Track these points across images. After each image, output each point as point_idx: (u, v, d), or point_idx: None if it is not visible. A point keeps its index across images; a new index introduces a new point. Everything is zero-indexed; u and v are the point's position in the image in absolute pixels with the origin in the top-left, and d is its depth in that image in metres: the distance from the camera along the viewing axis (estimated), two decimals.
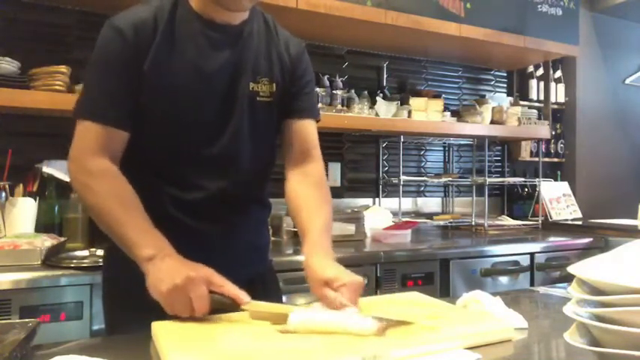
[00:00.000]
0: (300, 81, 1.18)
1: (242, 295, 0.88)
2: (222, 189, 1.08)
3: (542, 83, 3.30)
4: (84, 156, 0.99)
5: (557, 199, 3.08)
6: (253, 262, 1.18)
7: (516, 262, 2.29)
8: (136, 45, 1.00)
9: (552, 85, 3.30)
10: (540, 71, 3.31)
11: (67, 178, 1.78)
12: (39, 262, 1.53)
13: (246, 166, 1.10)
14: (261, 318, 0.87)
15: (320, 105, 2.39)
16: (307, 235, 1.06)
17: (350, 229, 2.28)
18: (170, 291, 0.85)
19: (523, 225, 2.89)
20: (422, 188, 3.03)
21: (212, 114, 1.06)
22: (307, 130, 1.19)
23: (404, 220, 2.53)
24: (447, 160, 3.12)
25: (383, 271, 1.96)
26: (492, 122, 2.84)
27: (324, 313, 0.83)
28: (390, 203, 2.78)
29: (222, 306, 0.88)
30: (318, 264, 0.99)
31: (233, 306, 0.88)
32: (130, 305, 0.99)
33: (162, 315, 0.87)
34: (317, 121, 1.22)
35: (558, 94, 3.37)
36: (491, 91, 3.28)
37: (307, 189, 1.15)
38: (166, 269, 0.88)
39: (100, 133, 0.99)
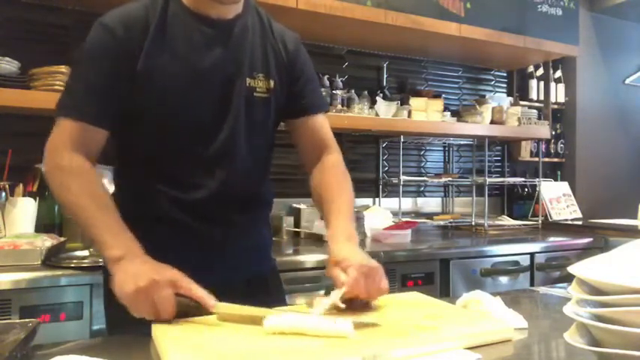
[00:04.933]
0: (301, 78, 1.17)
1: (209, 299, 0.86)
2: (220, 187, 1.07)
3: (542, 83, 3.30)
4: (58, 151, 0.98)
5: (557, 199, 3.08)
6: (254, 262, 1.17)
7: (516, 262, 2.29)
8: (126, 43, 0.99)
9: (552, 85, 3.30)
10: (540, 71, 3.31)
11: None
12: (39, 262, 1.53)
13: (243, 162, 1.09)
14: (231, 320, 0.86)
15: None
16: (329, 223, 1.06)
17: None
18: (134, 293, 0.83)
19: (523, 225, 2.88)
20: (422, 188, 3.03)
21: (209, 110, 1.05)
22: (318, 124, 1.20)
23: (404, 220, 2.52)
24: (447, 160, 3.12)
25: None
26: (492, 122, 2.84)
27: (299, 318, 0.81)
28: (390, 203, 2.78)
29: (189, 309, 0.86)
30: (334, 247, 0.99)
31: (200, 309, 0.86)
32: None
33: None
34: (326, 112, 1.23)
35: (558, 94, 3.37)
36: (491, 91, 3.28)
37: (325, 177, 1.16)
38: (132, 271, 0.86)
39: (75, 130, 0.98)
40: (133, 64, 0.99)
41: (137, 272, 0.85)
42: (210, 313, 0.87)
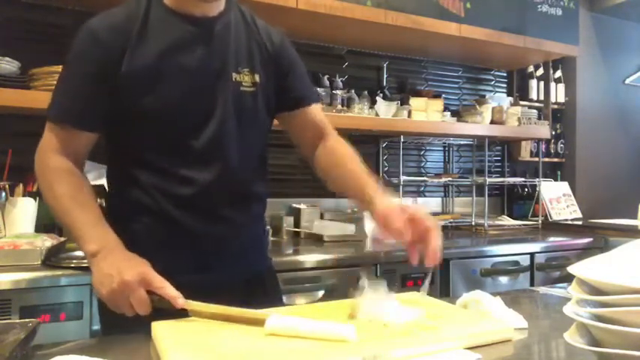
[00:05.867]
0: (290, 73, 1.18)
1: (178, 299, 0.88)
2: (213, 181, 1.07)
3: (542, 83, 3.30)
4: (45, 154, 1.03)
5: (557, 199, 3.08)
6: (250, 261, 1.17)
7: (516, 262, 2.29)
8: (109, 46, 1.00)
9: (552, 85, 3.30)
10: (540, 71, 3.31)
11: None
12: (39, 262, 1.53)
13: (235, 156, 1.09)
14: (204, 317, 0.88)
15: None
16: (362, 186, 1.09)
17: (350, 229, 2.28)
18: (109, 294, 0.88)
19: (523, 225, 2.88)
20: (422, 188, 3.03)
21: (197, 106, 1.06)
22: (314, 114, 1.21)
23: None
24: (447, 160, 3.12)
25: (383, 271, 1.96)
26: (492, 122, 2.84)
27: (302, 320, 0.81)
28: None
29: (162, 305, 0.88)
30: (380, 198, 1.05)
31: (173, 305, 0.88)
32: None
33: (158, 315, 0.87)
34: (318, 102, 1.24)
35: (558, 94, 3.37)
36: (491, 91, 3.28)
37: (331, 147, 1.19)
38: (106, 270, 0.89)
39: (58, 132, 1.03)
40: (116, 67, 1.00)
41: (110, 272, 0.88)
42: (184, 310, 0.88)
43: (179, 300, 0.87)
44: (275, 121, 1.23)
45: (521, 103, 3.15)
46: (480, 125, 2.76)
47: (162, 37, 1.04)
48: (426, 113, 2.65)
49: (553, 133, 3.28)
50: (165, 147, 1.05)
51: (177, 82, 1.03)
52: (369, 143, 2.85)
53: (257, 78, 1.12)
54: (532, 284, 2.30)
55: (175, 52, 1.04)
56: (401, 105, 2.59)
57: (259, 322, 0.82)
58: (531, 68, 3.31)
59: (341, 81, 2.59)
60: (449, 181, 2.90)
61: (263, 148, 1.20)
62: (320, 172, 1.22)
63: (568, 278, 0.70)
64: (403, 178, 2.63)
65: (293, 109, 1.19)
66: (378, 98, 2.57)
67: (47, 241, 1.63)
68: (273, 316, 0.82)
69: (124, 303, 0.88)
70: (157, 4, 1.06)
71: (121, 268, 0.88)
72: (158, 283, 0.88)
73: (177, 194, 1.05)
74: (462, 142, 3.11)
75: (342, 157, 1.17)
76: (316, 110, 1.22)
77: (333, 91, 2.50)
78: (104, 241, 0.95)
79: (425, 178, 2.87)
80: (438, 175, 2.94)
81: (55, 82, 1.76)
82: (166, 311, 0.88)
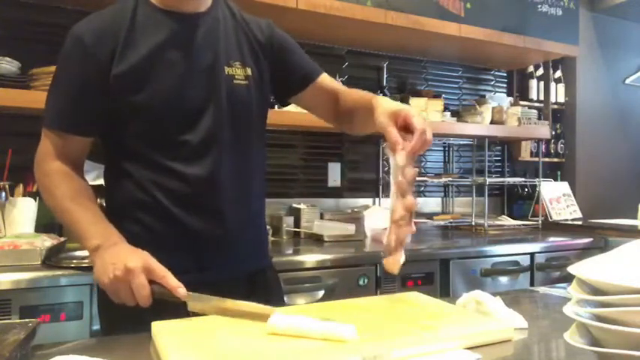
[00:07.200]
0: (288, 59, 1.20)
1: (179, 289, 0.88)
2: (208, 176, 1.06)
3: (542, 83, 3.30)
4: (43, 160, 1.05)
5: (557, 199, 3.08)
6: (251, 258, 1.16)
7: (516, 262, 2.29)
8: (97, 50, 1.01)
9: (552, 85, 3.30)
10: (540, 71, 3.31)
11: None
12: (39, 262, 1.53)
13: (230, 150, 1.09)
14: (202, 310, 0.88)
15: None
16: (368, 100, 1.06)
17: (350, 229, 2.28)
18: (111, 282, 0.89)
19: (523, 225, 2.89)
20: (422, 188, 3.03)
21: (190, 102, 1.06)
22: (325, 83, 1.24)
23: None
24: (447, 160, 3.12)
25: (383, 271, 1.96)
26: (492, 122, 2.84)
27: (302, 319, 0.81)
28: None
29: (163, 296, 0.89)
30: (385, 102, 1.01)
31: (174, 296, 0.88)
32: (125, 305, 0.99)
33: (159, 314, 0.87)
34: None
35: (558, 94, 3.37)
36: (491, 91, 3.28)
37: (351, 94, 1.21)
38: (109, 260, 0.91)
39: (53, 138, 1.05)
40: (106, 69, 1.01)
41: (113, 261, 0.90)
42: (184, 305, 0.88)
43: (180, 290, 0.87)
44: (273, 120, 1.22)
45: (521, 103, 3.15)
46: (480, 125, 2.76)
47: (150, 35, 1.04)
48: (426, 113, 2.65)
49: (553, 133, 3.28)
50: (161, 142, 1.06)
51: (168, 78, 1.04)
52: (369, 143, 2.85)
53: (249, 71, 1.13)
54: (532, 284, 2.30)
55: (165, 50, 1.04)
56: None
57: (261, 317, 0.82)
58: (531, 68, 3.31)
59: (341, 81, 2.59)
60: (449, 181, 2.90)
61: (260, 142, 1.19)
62: (342, 121, 1.24)
63: (568, 278, 0.70)
64: None
65: (304, 87, 1.22)
66: None
67: (47, 241, 1.63)
68: (274, 314, 0.81)
69: (125, 291, 0.88)
70: (144, 3, 1.06)
71: (125, 257, 0.90)
72: (160, 272, 0.89)
73: (174, 190, 1.05)
74: (462, 142, 3.11)
75: (355, 93, 1.19)
76: (325, 79, 1.24)
77: None
78: (106, 235, 0.97)
79: (425, 178, 2.87)
80: (438, 175, 2.94)
81: None
82: (167, 305, 0.87)
